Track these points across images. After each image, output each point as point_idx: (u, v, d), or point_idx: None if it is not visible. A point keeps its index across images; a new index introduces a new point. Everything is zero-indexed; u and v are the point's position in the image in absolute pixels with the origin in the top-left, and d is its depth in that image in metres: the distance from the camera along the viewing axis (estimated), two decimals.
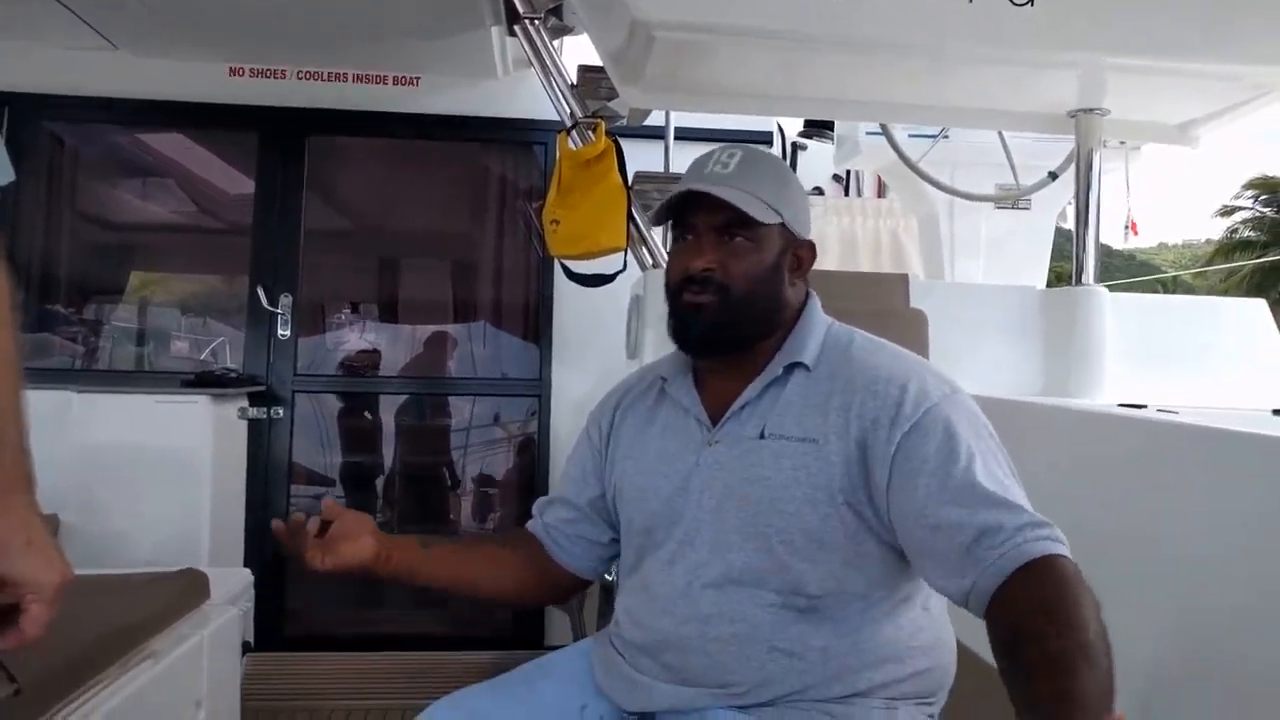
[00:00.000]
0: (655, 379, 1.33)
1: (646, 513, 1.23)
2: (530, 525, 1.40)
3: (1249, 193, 28.56)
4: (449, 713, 1.23)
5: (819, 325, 1.24)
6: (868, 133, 3.57)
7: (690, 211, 1.21)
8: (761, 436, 1.16)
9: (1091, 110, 2.55)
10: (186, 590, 2.24)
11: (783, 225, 1.21)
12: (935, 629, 1.12)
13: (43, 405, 3.05)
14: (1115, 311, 2.57)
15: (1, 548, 0.90)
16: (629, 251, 2.71)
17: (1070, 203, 2.98)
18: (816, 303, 1.27)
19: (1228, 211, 29.10)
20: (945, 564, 1.05)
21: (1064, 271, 2.90)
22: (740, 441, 1.18)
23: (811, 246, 1.26)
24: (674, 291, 1.22)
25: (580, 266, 2.84)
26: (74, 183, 3.91)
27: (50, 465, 3.29)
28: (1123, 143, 3.35)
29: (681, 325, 1.21)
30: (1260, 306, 2.79)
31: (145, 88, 3.65)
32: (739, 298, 1.18)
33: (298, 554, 1.20)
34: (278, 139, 3.77)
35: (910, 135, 3.47)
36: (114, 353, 4.10)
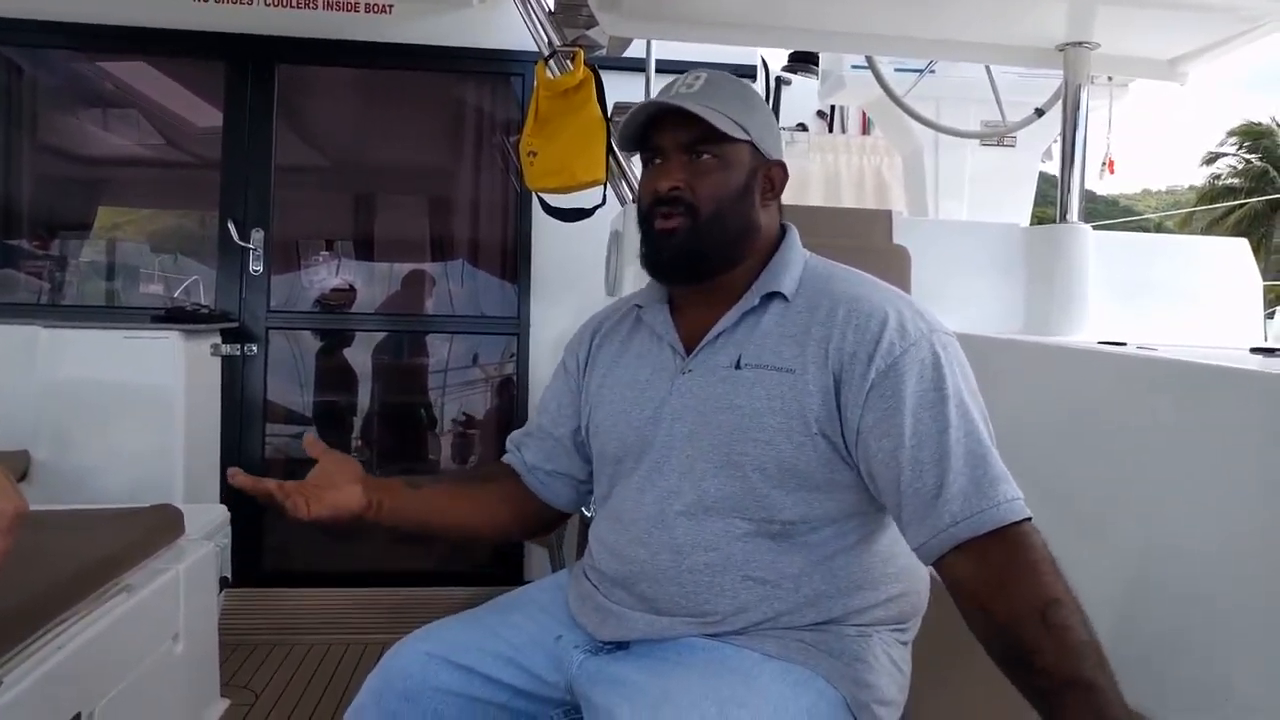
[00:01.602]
0: (631, 307, 1.31)
1: (618, 440, 1.22)
2: (508, 459, 1.39)
3: (1233, 140, 28.57)
4: (422, 644, 1.22)
5: (797, 257, 1.22)
6: (853, 66, 3.51)
7: (656, 133, 1.19)
8: (737, 366, 1.14)
9: (1080, 44, 2.50)
10: (160, 525, 2.22)
11: (751, 145, 1.19)
12: (908, 556, 1.12)
13: (9, 340, 3.04)
14: (1098, 250, 2.56)
15: None
16: (608, 185, 2.66)
17: (1056, 141, 2.94)
18: (795, 234, 1.25)
19: (1212, 159, 29.14)
20: (905, 508, 1.05)
21: (1045, 216, 2.88)
22: (714, 370, 1.16)
23: (783, 167, 1.24)
24: (644, 217, 1.20)
25: (558, 200, 2.79)
26: (34, 113, 3.79)
27: (19, 401, 3.26)
28: (1110, 79, 3.31)
29: (653, 251, 1.20)
30: (1241, 246, 2.78)
31: (107, 11, 3.51)
32: (708, 218, 1.16)
33: (275, 503, 1.16)
34: (246, 68, 3.65)
35: (896, 69, 3.41)
36: (82, 288, 4.02)
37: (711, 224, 1.16)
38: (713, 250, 1.17)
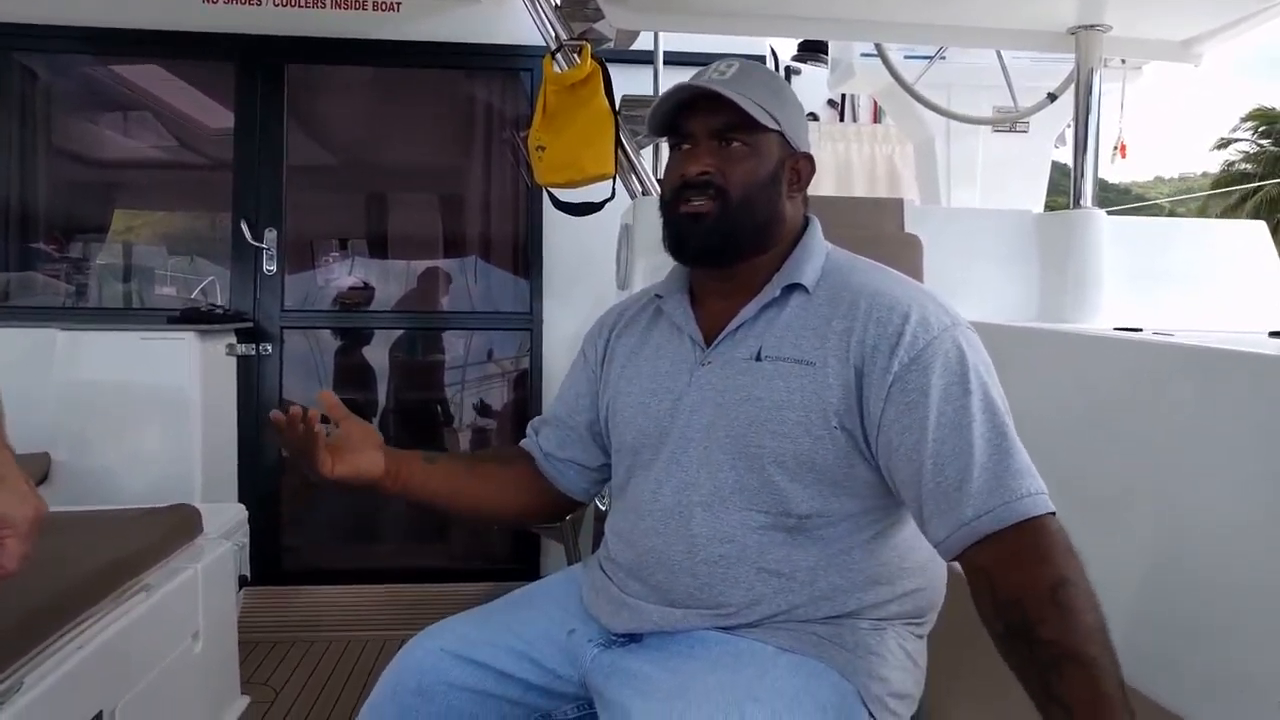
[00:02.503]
0: (651, 299, 1.31)
1: (636, 431, 1.22)
2: (525, 443, 1.40)
3: (1247, 125, 28.18)
4: (436, 640, 1.22)
5: (819, 249, 1.21)
6: (863, 55, 3.49)
7: (686, 118, 1.19)
8: (757, 358, 1.14)
9: (1093, 26, 2.48)
10: (179, 525, 2.24)
11: (781, 136, 1.18)
12: (924, 551, 1.11)
13: (28, 343, 3.07)
14: (1113, 235, 2.53)
15: None
16: (617, 179, 2.65)
17: (1069, 126, 2.92)
18: (817, 226, 1.25)
19: (1225, 144, 28.77)
20: (926, 503, 1.05)
21: (1056, 206, 2.86)
22: (734, 363, 1.16)
23: (810, 160, 1.24)
24: (670, 202, 1.19)
25: (567, 195, 2.78)
26: (49, 117, 3.82)
27: (38, 403, 3.29)
28: (1123, 62, 3.27)
29: (678, 235, 1.19)
30: (1260, 229, 2.75)
31: (117, 15, 3.53)
32: (737, 203, 1.16)
33: (300, 451, 1.17)
34: (256, 68, 3.66)
35: (906, 57, 3.39)
36: (100, 291, 4.06)
37: (740, 210, 1.16)
38: (741, 235, 1.17)
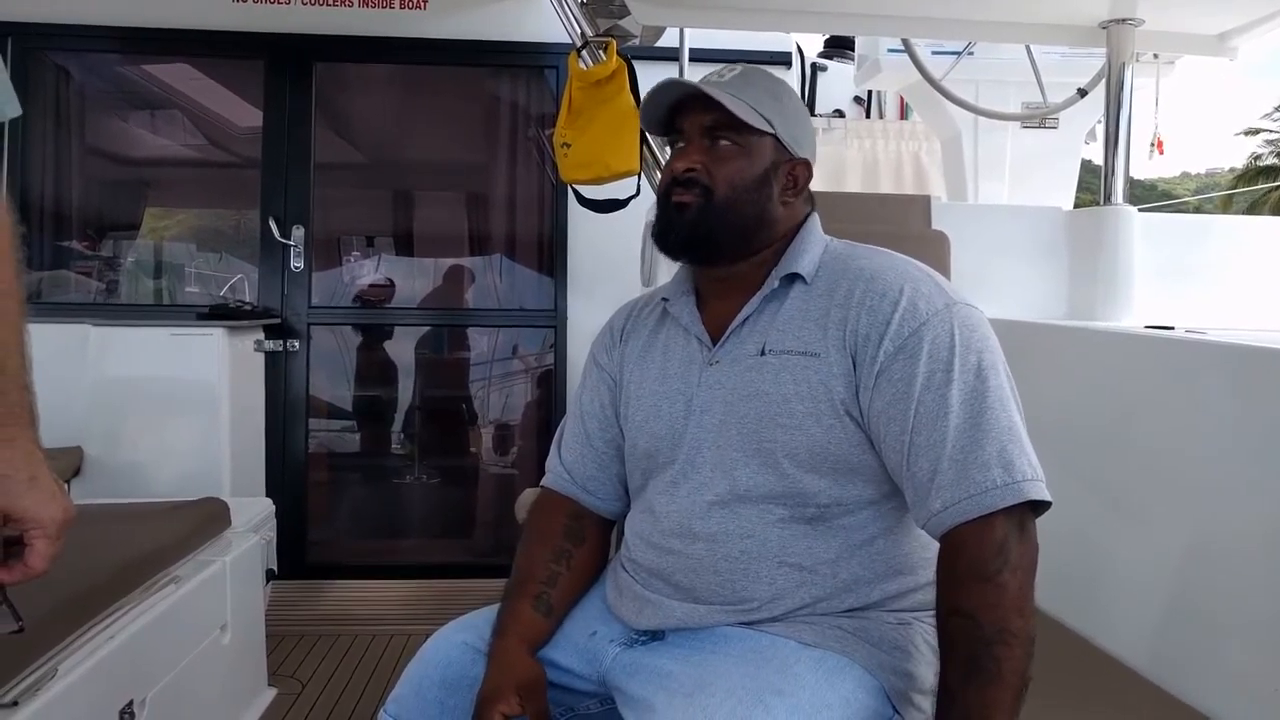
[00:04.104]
0: (657, 301, 1.30)
1: (649, 435, 1.22)
2: (562, 486, 1.32)
3: (1275, 119, 27.66)
4: (460, 634, 1.22)
5: (816, 240, 1.21)
6: (889, 50, 3.47)
7: (680, 117, 1.20)
8: (762, 353, 1.14)
9: (1124, 20, 2.44)
10: (208, 518, 2.27)
11: (776, 140, 1.18)
12: None
13: (61, 339, 3.12)
14: (1144, 232, 2.50)
15: (4, 482, 0.89)
16: (642, 176, 2.65)
17: (1100, 122, 2.88)
18: (815, 219, 1.25)
19: (1254, 132, 28.23)
20: (906, 492, 1.07)
21: (1085, 204, 2.83)
22: (740, 360, 1.16)
23: (808, 165, 1.23)
24: (661, 196, 1.21)
25: (592, 192, 2.78)
26: (82, 117, 3.87)
27: (71, 398, 3.34)
28: (1156, 56, 3.23)
29: (663, 226, 1.20)
30: None
31: (148, 14, 3.58)
32: (722, 202, 1.16)
33: None
34: (284, 66, 3.70)
35: (934, 52, 3.36)
36: (131, 287, 4.12)
37: (724, 208, 1.16)
38: (722, 233, 1.17)
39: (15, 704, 1.39)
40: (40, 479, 0.92)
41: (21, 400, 0.92)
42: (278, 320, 3.65)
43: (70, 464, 3.07)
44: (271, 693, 2.55)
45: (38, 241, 3.73)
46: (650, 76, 2.81)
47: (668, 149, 2.54)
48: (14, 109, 0.96)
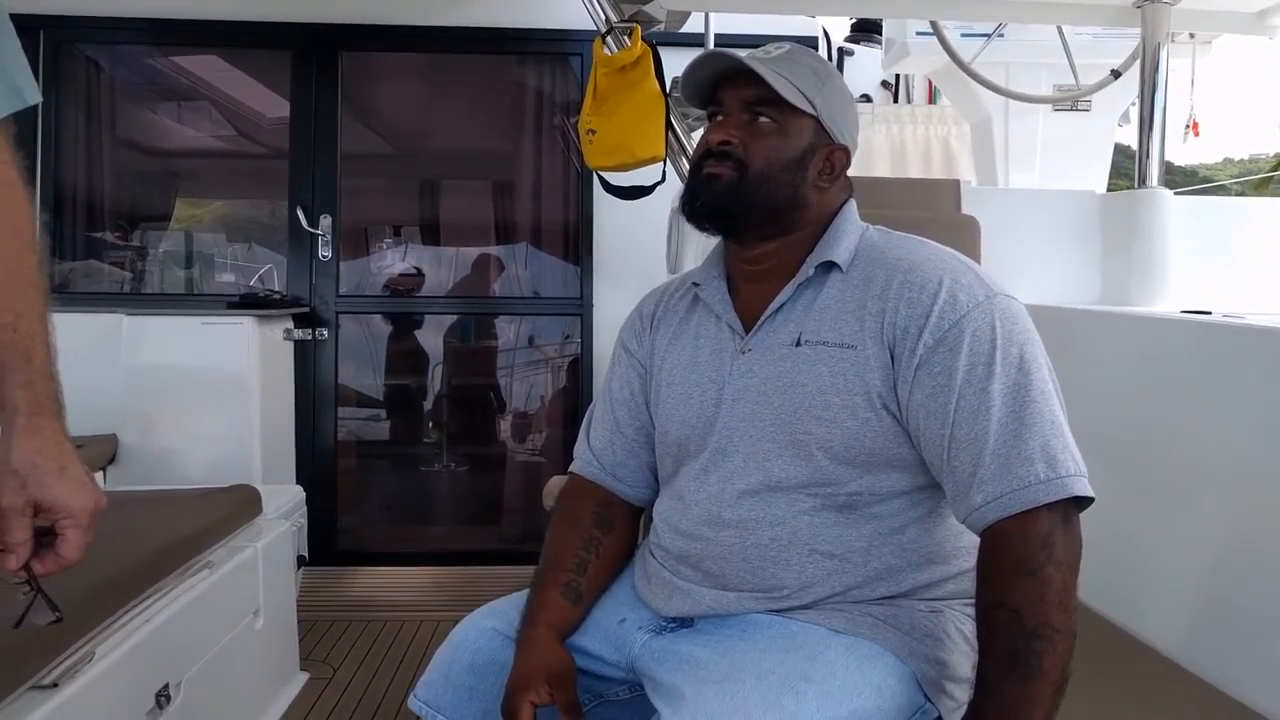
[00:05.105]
0: (688, 286, 1.29)
1: (680, 423, 1.21)
2: (591, 473, 1.31)
3: None
4: (489, 620, 1.23)
5: (852, 227, 1.19)
6: (917, 33, 3.42)
7: (722, 89, 1.18)
8: (797, 344, 1.12)
9: None
10: (240, 505, 2.29)
11: (817, 122, 1.16)
12: None
13: (94, 329, 3.17)
14: (1180, 216, 2.45)
15: (35, 472, 0.89)
16: (668, 162, 2.63)
17: (1134, 104, 2.83)
18: (853, 205, 1.22)
19: None
20: (947, 487, 1.06)
21: (1119, 188, 2.78)
22: (773, 349, 1.14)
23: (846, 153, 1.20)
24: (694, 166, 1.19)
25: (618, 178, 2.77)
26: (113, 109, 3.92)
27: (106, 387, 3.40)
28: (1192, 36, 3.16)
29: (691, 194, 1.18)
30: None
31: (177, 6, 3.61)
32: (755, 177, 1.14)
33: None
34: (311, 56, 3.72)
35: (962, 35, 3.31)
36: (162, 277, 4.17)
37: (757, 183, 1.14)
38: (752, 209, 1.15)
39: (55, 685, 1.41)
40: (70, 468, 0.91)
41: (48, 390, 0.92)
42: (306, 309, 3.68)
43: (105, 452, 3.12)
44: (304, 677, 2.58)
45: (70, 233, 3.78)
46: (675, 62, 2.80)
47: (693, 135, 2.51)
48: (34, 95, 0.96)
